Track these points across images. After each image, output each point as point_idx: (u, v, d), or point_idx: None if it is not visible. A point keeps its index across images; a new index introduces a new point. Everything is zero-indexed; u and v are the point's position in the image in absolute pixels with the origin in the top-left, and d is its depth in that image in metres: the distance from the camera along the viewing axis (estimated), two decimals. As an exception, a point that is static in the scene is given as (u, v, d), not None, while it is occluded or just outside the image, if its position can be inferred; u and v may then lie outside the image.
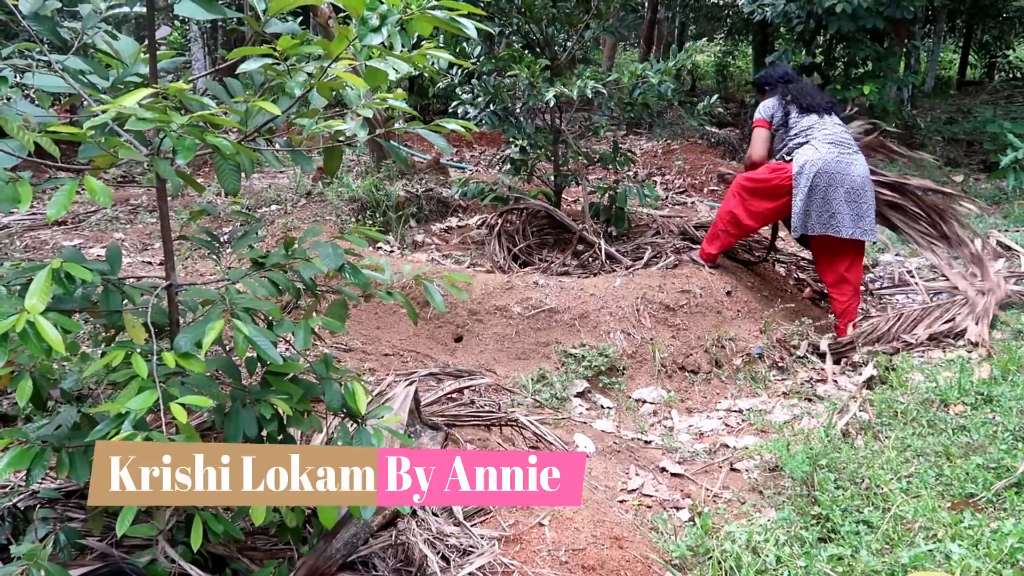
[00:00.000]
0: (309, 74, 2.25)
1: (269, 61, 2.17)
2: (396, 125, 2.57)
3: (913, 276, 6.41)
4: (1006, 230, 7.22)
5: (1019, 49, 20.98)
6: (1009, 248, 6.39)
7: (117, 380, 2.20)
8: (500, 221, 6.29)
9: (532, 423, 3.81)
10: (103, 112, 1.82)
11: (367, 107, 2.39)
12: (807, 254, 6.04)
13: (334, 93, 2.45)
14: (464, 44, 6.05)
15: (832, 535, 3.20)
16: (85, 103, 2.25)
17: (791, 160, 5.17)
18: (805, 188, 5.06)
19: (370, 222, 6.53)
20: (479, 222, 6.81)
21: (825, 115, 5.25)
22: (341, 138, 2.52)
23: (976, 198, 8.80)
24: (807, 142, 5.15)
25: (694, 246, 5.88)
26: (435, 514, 2.97)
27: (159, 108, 1.88)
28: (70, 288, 2.06)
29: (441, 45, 2.40)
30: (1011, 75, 18.55)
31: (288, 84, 2.13)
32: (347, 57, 2.18)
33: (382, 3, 2.09)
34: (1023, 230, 7.31)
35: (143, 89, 1.84)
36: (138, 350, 2.14)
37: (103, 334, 2.75)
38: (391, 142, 2.77)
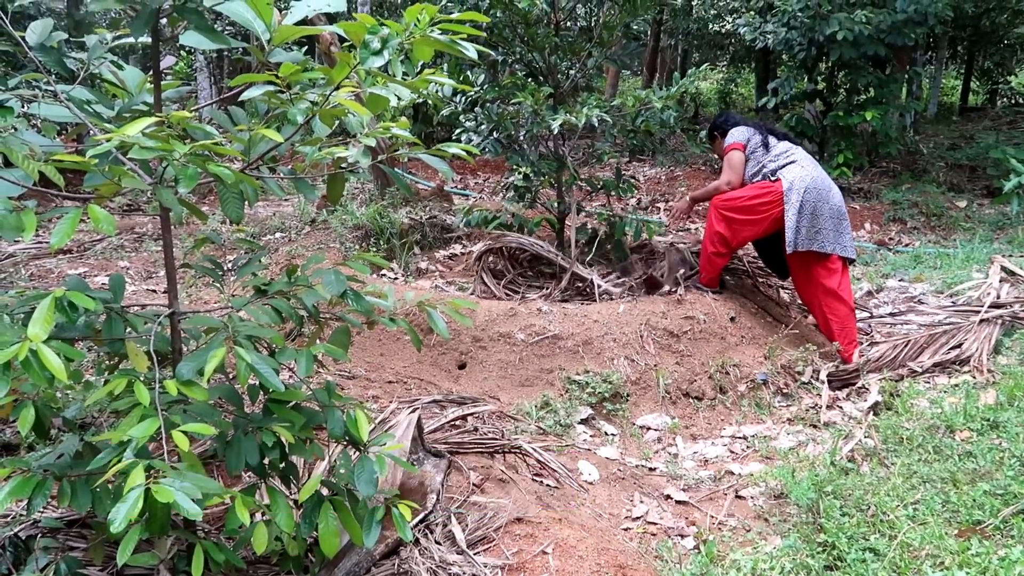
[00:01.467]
0: (313, 102, 2.26)
1: (272, 89, 2.18)
2: (399, 151, 2.58)
3: (920, 302, 6.40)
4: (1011, 255, 7.20)
5: (1021, 75, 21.06)
6: (1013, 273, 6.37)
7: (119, 408, 2.20)
8: (483, 258, 6.25)
9: (536, 450, 3.80)
10: (107, 141, 1.83)
11: (370, 135, 2.40)
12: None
13: (337, 121, 2.46)
14: (468, 72, 6.09)
15: (838, 563, 3.17)
16: (91, 133, 2.27)
17: (776, 180, 5.24)
18: (797, 203, 5.14)
19: (374, 249, 6.55)
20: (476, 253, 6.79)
21: (791, 142, 5.46)
22: (344, 165, 2.53)
23: (980, 223, 8.86)
24: (792, 162, 5.27)
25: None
26: (438, 542, 2.95)
27: (162, 137, 1.89)
28: (73, 317, 2.06)
29: (445, 73, 2.41)
30: (1013, 101, 18.61)
31: (291, 112, 2.14)
32: (349, 84, 2.19)
33: (384, 27, 2.10)
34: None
35: (146, 118, 1.85)
36: (141, 378, 2.14)
37: (106, 362, 2.76)
38: (394, 169, 2.78)
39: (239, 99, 2.35)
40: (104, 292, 2.37)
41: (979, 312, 5.57)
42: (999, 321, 5.44)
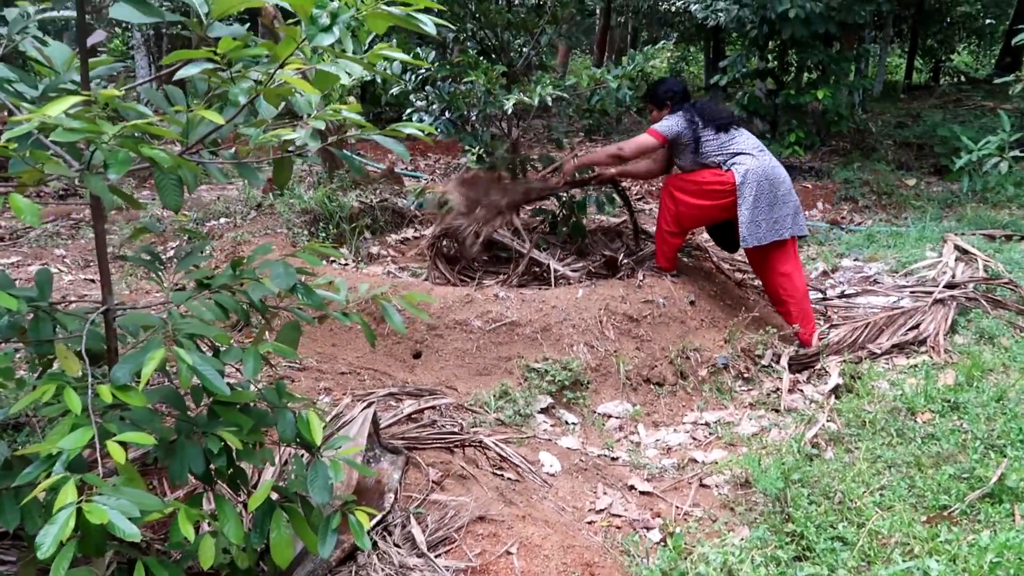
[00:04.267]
0: (257, 81, 2.09)
1: (211, 66, 2.00)
2: (350, 133, 2.41)
3: (875, 282, 6.39)
4: (962, 233, 7.24)
5: (963, 54, 21.38)
6: (966, 252, 6.40)
7: (49, 415, 2.02)
8: (436, 243, 6.05)
9: (496, 443, 3.68)
10: (26, 123, 1.65)
11: (319, 117, 2.23)
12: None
13: (283, 102, 2.29)
14: (418, 50, 5.90)
15: (807, 553, 3.11)
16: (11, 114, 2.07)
17: (728, 170, 5.08)
18: (750, 197, 4.99)
19: (323, 234, 6.34)
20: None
21: (734, 129, 5.21)
22: (291, 148, 2.36)
23: (930, 202, 8.92)
24: (741, 152, 5.08)
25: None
26: (397, 545, 2.82)
27: (89, 118, 1.71)
28: (-7, 317, 1.88)
29: (396, 49, 2.25)
30: (957, 79, 18.87)
31: (232, 91, 1.96)
32: (295, 61, 2.02)
33: (333, 1, 1.93)
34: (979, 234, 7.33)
35: (70, 97, 1.66)
36: (72, 382, 1.97)
37: (38, 360, 2.56)
38: (344, 151, 2.61)
39: (177, 78, 2.17)
40: (30, 289, 2.18)
41: (934, 292, 5.57)
42: (955, 300, 5.44)
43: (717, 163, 5.11)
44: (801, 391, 4.74)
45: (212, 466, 2.25)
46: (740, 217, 5.03)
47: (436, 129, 5.75)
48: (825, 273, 6.89)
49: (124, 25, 12.43)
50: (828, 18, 9.51)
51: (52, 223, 7.35)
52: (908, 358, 4.98)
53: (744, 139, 5.16)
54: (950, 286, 5.71)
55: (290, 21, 2.04)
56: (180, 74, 1.99)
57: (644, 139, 5.22)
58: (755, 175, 4.99)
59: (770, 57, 10.84)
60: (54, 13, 2.43)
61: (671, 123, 5.16)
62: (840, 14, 9.54)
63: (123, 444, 1.85)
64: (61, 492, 1.70)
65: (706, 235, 5.95)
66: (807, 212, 9.03)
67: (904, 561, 2.96)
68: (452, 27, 5.80)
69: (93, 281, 5.79)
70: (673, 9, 14.92)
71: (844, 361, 4.81)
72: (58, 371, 2.12)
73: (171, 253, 5.83)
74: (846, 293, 6.24)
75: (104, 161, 1.75)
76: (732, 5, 10.07)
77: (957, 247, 6.47)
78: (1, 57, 2.34)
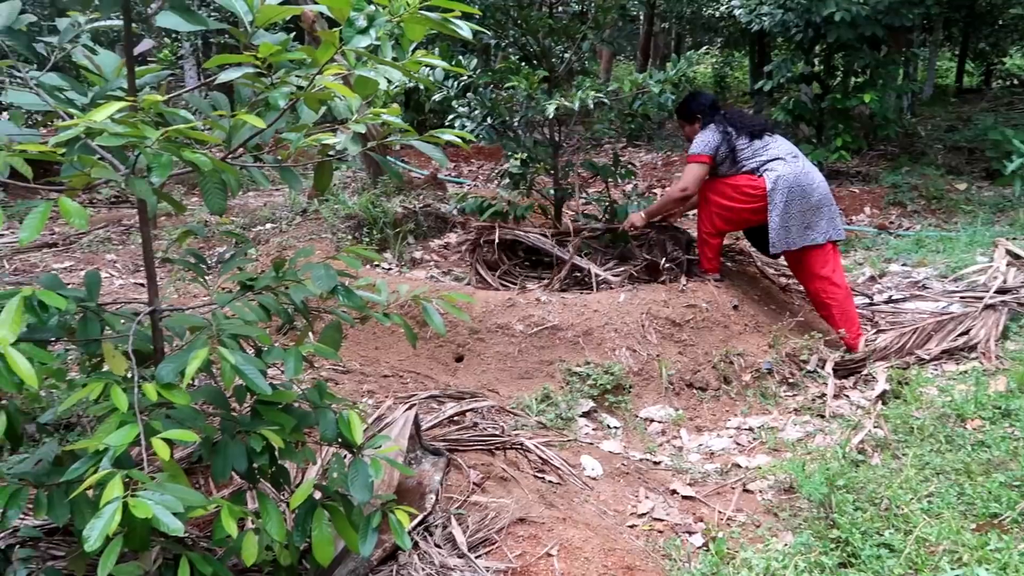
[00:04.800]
0: (298, 86, 2.12)
1: (251, 71, 2.04)
2: (390, 138, 2.44)
3: (924, 287, 6.28)
4: (1014, 238, 7.08)
5: (1015, 57, 20.94)
6: (1019, 256, 6.26)
7: (98, 413, 2.07)
8: (476, 249, 6.09)
9: (537, 446, 3.68)
10: (73, 128, 1.69)
11: (360, 122, 2.26)
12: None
13: (324, 107, 2.32)
14: (460, 57, 5.94)
15: (852, 560, 3.06)
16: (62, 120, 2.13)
17: (761, 176, 5.11)
18: (781, 204, 5.03)
19: (367, 239, 6.40)
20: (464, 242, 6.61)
21: (768, 135, 5.24)
22: (331, 153, 2.39)
23: (981, 206, 8.74)
24: (775, 158, 5.11)
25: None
26: (438, 546, 2.83)
27: (132, 123, 1.75)
28: (44, 317, 1.92)
29: (437, 57, 2.28)
30: (1009, 82, 18.48)
31: (272, 96, 2.00)
32: (336, 67, 2.05)
33: (370, 4, 1.96)
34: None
35: (116, 102, 1.71)
36: (119, 381, 2.01)
37: (88, 361, 2.62)
38: (386, 157, 2.64)
39: (219, 82, 2.21)
40: (78, 290, 2.23)
41: (985, 297, 5.46)
42: (1006, 306, 5.33)
43: (751, 169, 5.16)
44: (847, 397, 4.68)
45: (255, 464, 2.29)
46: (771, 223, 5.09)
47: (478, 135, 5.79)
48: (872, 278, 6.78)
49: (173, 35, 12.68)
50: (875, 21, 9.37)
51: (103, 229, 7.51)
52: (958, 364, 4.89)
53: (777, 145, 5.19)
54: (1001, 291, 5.59)
55: (334, 29, 2.07)
56: (222, 78, 2.03)
57: (696, 168, 5.26)
58: (786, 181, 5.02)
59: (816, 61, 10.72)
60: (103, 23, 2.50)
61: (707, 139, 5.21)
62: (887, 17, 9.39)
63: (168, 441, 1.89)
64: (108, 487, 1.74)
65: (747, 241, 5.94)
66: (854, 217, 8.91)
67: (952, 569, 2.90)
68: (488, 33, 5.83)
69: (142, 285, 5.91)
70: (717, 14, 14.83)
71: (891, 367, 4.74)
72: (106, 371, 2.17)
73: (217, 257, 5.94)
74: (894, 298, 6.14)
75: (148, 165, 1.79)
76: (776, 9, 9.96)
77: (1009, 252, 6.33)
78: (53, 66, 2.41)
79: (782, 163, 5.08)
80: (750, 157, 5.15)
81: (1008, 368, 4.69)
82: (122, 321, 2.27)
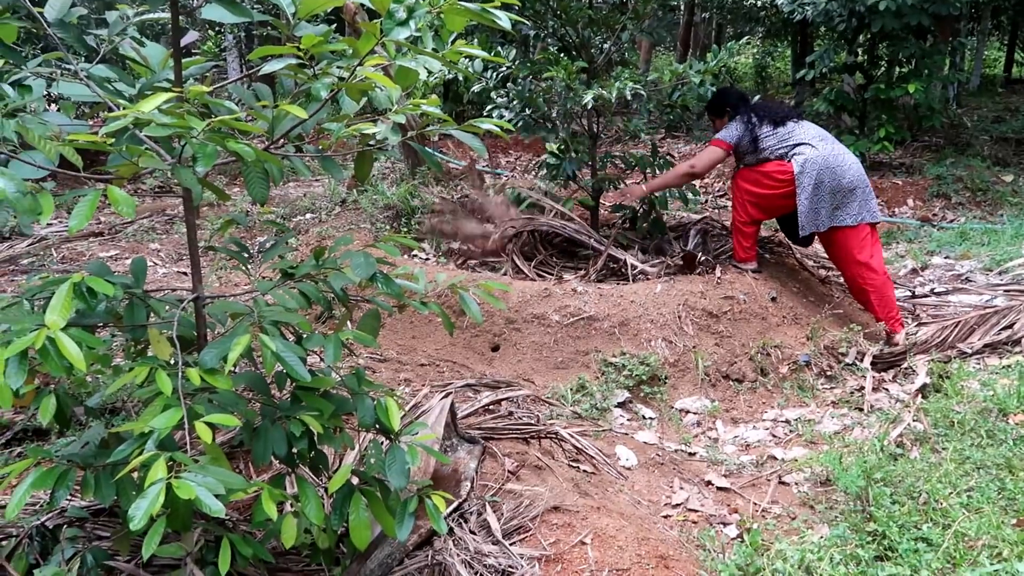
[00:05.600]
0: (340, 78, 2.16)
1: (294, 62, 2.07)
2: (429, 127, 2.46)
3: (967, 280, 6.20)
4: (1061, 232, 6.97)
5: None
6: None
7: (143, 397, 2.12)
8: (513, 240, 6.12)
9: (572, 435, 3.70)
10: (122, 118, 1.74)
11: (400, 112, 2.29)
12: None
13: (364, 98, 2.35)
14: (499, 48, 5.95)
15: (889, 553, 3.04)
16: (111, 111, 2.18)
17: (789, 161, 5.12)
18: (809, 186, 5.04)
19: (405, 229, 6.45)
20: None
21: (792, 122, 5.26)
22: (371, 142, 2.42)
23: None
24: (802, 143, 5.12)
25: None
26: (473, 532, 2.86)
27: (179, 113, 1.79)
28: (92, 303, 1.98)
29: (476, 47, 2.30)
30: (1059, 72, 18.10)
31: (314, 87, 2.03)
32: (376, 57, 2.08)
33: (410, -3, 1.98)
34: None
35: (162, 93, 1.75)
36: (164, 366, 2.06)
37: (133, 347, 2.69)
38: (424, 147, 2.67)
39: (263, 74, 2.25)
40: (125, 277, 2.29)
41: (1030, 290, 5.38)
42: (1052, 300, 5.24)
43: (780, 155, 5.18)
44: (886, 390, 4.64)
45: (294, 449, 2.34)
46: (799, 206, 5.09)
47: (516, 125, 5.80)
48: (914, 271, 6.70)
49: (217, 28, 12.82)
50: (920, 10, 9.22)
51: (148, 219, 7.64)
52: (1001, 358, 4.82)
53: (804, 130, 5.22)
54: (1047, 284, 5.50)
55: (375, 21, 2.10)
56: (265, 69, 2.07)
57: (712, 151, 5.38)
58: (814, 164, 5.03)
59: (859, 51, 10.57)
60: (150, 15, 2.55)
61: (731, 129, 5.30)
62: (933, 5, 9.24)
63: (211, 425, 1.94)
64: (152, 469, 1.79)
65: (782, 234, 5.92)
66: (897, 209, 8.79)
67: (991, 564, 2.87)
68: (527, 24, 5.84)
69: (185, 274, 6.01)
70: (759, 4, 14.68)
71: (932, 360, 4.68)
72: (153, 356, 2.23)
73: (258, 246, 6.03)
74: (936, 291, 6.07)
75: (193, 155, 1.83)
76: (820, -2, 9.85)
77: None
78: (102, 58, 2.47)
79: (809, 147, 5.09)
80: (775, 145, 5.17)
81: (1051, 362, 4.62)
82: (167, 308, 2.32)
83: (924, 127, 10.52)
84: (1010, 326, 5.01)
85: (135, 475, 2.15)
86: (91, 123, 3.35)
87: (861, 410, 4.42)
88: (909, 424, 4.02)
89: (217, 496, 1.79)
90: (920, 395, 4.41)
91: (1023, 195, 8.80)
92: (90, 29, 2.56)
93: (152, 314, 2.32)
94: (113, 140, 1.93)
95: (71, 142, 1.91)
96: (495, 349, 4.81)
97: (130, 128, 1.88)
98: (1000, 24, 17.41)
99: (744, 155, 5.34)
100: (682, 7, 14.33)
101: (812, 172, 5.02)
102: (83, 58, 2.54)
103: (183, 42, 2.43)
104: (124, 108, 1.77)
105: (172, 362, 2.13)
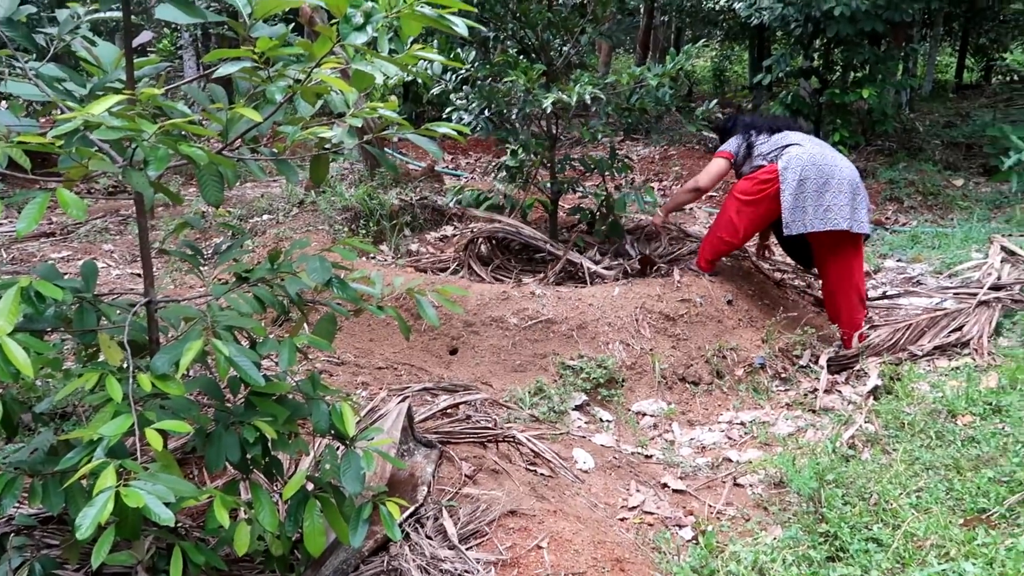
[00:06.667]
0: (295, 80, 2.14)
1: (249, 65, 2.05)
2: (387, 131, 2.45)
3: (919, 283, 6.31)
4: (1010, 234, 7.11)
5: (1016, 52, 20.92)
6: (1014, 253, 6.28)
7: (93, 403, 2.09)
8: (470, 245, 6.12)
9: (529, 439, 3.71)
10: (70, 120, 1.71)
11: (356, 115, 2.28)
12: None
13: (320, 100, 2.34)
14: (458, 50, 5.95)
15: (841, 554, 3.09)
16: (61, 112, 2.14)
17: (775, 161, 5.12)
18: (793, 182, 4.95)
19: (364, 231, 6.41)
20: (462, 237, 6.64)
21: (788, 131, 5.31)
22: (327, 146, 2.41)
23: (977, 202, 8.76)
24: (791, 144, 5.12)
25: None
26: (429, 537, 2.85)
27: (129, 116, 1.77)
28: (40, 308, 1.94)
29: (435, 50, 2.29)
30: (1009, 78, 18.47)
31: (269, 89, 2.02)
32: (333, 60, 2.07)
33: (368, 1, 1.97)
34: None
35: (113, 95, 1.72)
36: (114, 371, 2.03)
37: (85, 351, 2.64)
38: (382, 150, 2.66)
39: (217, 76, 2.23)
40: (74, 281, 2.25)
41: (979, 294, 5.48)
42: (1000, 303, 5.35)
43: (771, 159, 5.17)
44: (839, 392, 4.70)
45: (248, 455, 2.31)
46: (783, 203, 5.00)
47: (475, 128, 5.80)
48: (867, 274, 6.80)
49: (173, 26, 12.65)
50: (875, 16, 9.37)
51: (101, 219, 7.52)
52: (950, 360, 4.91)
53: (796, 135, 5.25)
54: (995, 287, 5.61)
55: (332, 23, 2.09)
56: (220, 72, 2.05)
57: (714, 164, 5.40)
58: (799, 161, 4.99)
59: (815, 56, 10.73)
60: (102, 14, 2.51)
61: (730, 141, 5.38)
62: (887, 12, 9.39)
63: (161, 432, 1.92)
64: (101, 476, 1.76)
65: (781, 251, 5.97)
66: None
67: (939, 563, 2.93)
68: (486, 28, 5.84)
69: (139, 275, 5.92)
70: (717, 8, 14.82)
71: (884, 362, 4.76)
72: (101, 362, 2.19)
73: (213, 248, 5.96)
74: (888, 294, 6.17)
75: (144, 158, 1.81)
76: (776, 3, 9.96)
77: (1004, 248, 6.35)
78: (52, 56, 2.42)
79: (797, 147, 5.08)
80: (768, 151, 5.19)
81: (1000, 364, 4.72)
82: (118, 312, 2.29)
83: (877, 131, 10.71)
84: (959, 328, 5.11)
85: (84, 483, 2.12)
86: (42, 121, 3.29)
87: (815, 412, 4.49)
88: (861, 426, 4.09)
89: (167, 504, 1.77)
90: (872, 397, 4.48)
91: (972, 199, 8.98)
92: (40, 27, 2.52)
93: (103, 318, 2.28)
94: (63, 143, 1.90)
95: (20, 144, 1.87)
96: (453, 352, 4.80)
97: (80, 130, 1.85)
98: (952, 30, 17.74)
99: (741, 165, 5.35)
100: (641, 10, 14.43)
101: (797, 168, 4.95)
102: (33, 57, 2.49)
103: (137, 41, 2.40)
104: (75, 110, 1.74)
105: (124, 367, 2.10)
